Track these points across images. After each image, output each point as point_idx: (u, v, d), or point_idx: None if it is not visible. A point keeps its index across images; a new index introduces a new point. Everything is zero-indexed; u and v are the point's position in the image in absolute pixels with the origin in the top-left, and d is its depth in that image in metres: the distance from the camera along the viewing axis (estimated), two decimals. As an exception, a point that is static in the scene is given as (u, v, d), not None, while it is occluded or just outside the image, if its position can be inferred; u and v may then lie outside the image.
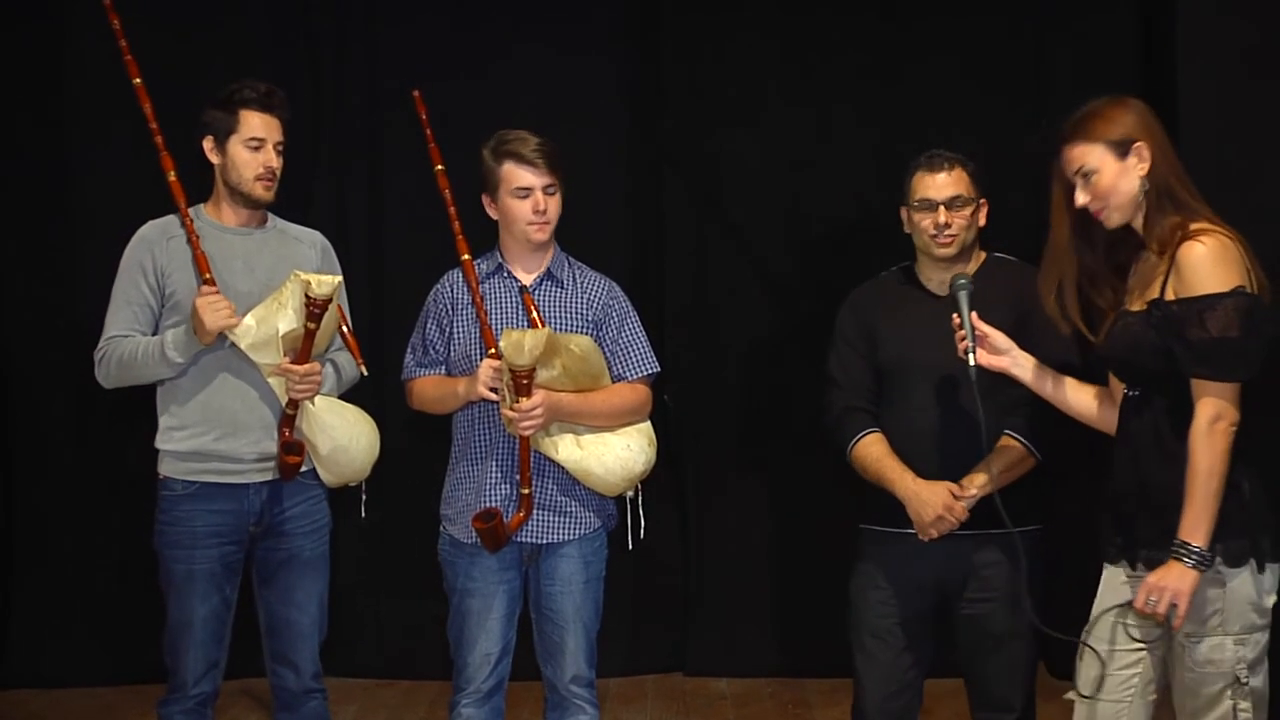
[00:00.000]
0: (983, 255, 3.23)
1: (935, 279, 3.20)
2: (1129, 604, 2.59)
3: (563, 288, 3.21)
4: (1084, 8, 4.37)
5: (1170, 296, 2.53)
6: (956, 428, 3.06)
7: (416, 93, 3.36)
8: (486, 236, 3.27)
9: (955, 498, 3.03)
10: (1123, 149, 2.60)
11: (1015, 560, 2.96)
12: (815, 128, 4.45)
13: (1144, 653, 2.62)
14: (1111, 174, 2.62)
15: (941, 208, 3.11)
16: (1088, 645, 2.65)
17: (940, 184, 3.13)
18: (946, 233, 3.11)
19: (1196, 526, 2.48)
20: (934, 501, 3.03)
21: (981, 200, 3.18)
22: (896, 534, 3.14)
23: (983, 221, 3.20)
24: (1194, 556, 2.48)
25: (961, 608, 3.13)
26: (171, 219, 3.22)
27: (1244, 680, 2.53)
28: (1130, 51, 4.31)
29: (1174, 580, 2.48)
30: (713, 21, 4.49)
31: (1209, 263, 2.49)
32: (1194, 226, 2.54)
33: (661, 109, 4.52)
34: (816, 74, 4.46)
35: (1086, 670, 2.66)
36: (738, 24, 4.49)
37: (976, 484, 3.02)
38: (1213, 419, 2.48)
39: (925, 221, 3.13)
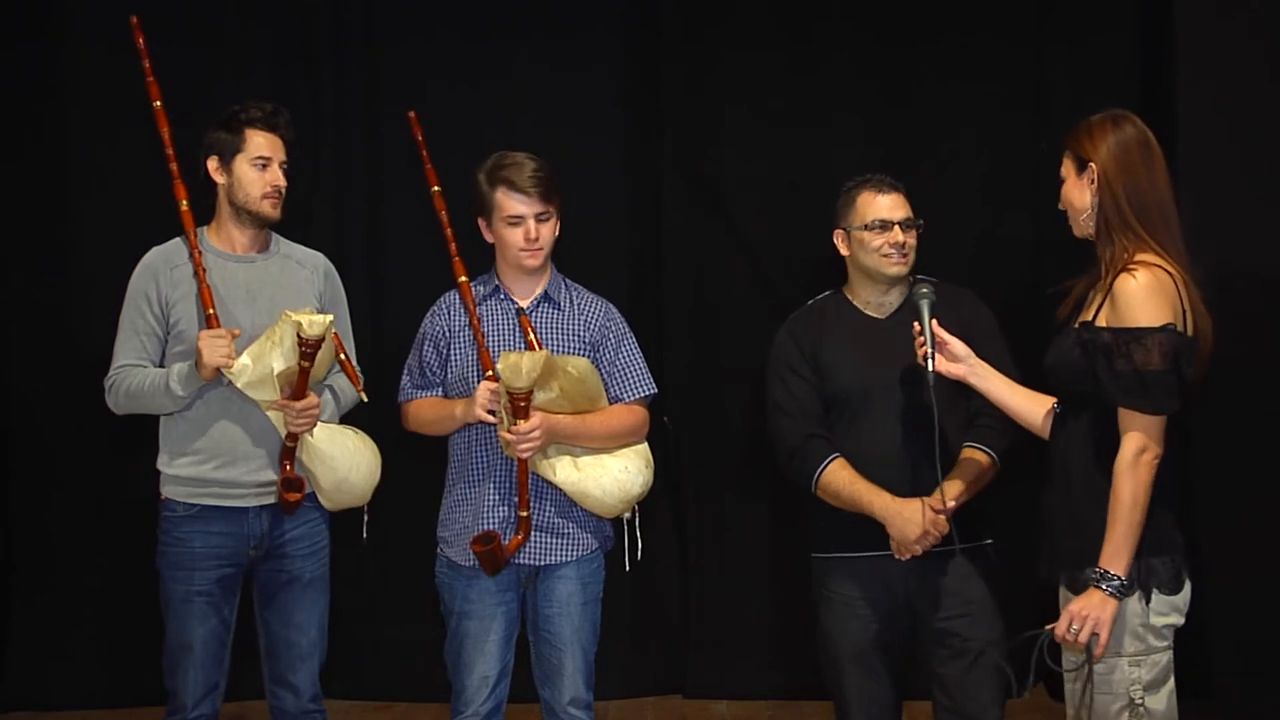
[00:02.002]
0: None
1: (875, 301, 3.24)
2: (1051, 630, 2.58)
3: (560, 310, 3.22)
4: (1084, 24, 4.38)
5: (1102, 323, 2.55)
6: (915, 447, 3.08)
7: (412, 114, 3.37)
8: (486, 257, 3.28)
9: (935, 511, 3.04)
10: (1082, 164, 2.65)
11: (984, 573, 3.00)
12: (816, 145, 4.44)
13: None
14: (1069, 184, 2.68)
15: (897, 227, 3.16)
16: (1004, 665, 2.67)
17: (892, 205, 3.19)
18: (901, 252, 3.16)
19: (1117, 555, 2.50)
20: (916, 518, 3.04)
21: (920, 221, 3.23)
22: (869, 558, 3.15)
23: None
24: (1113, 585, 2.49)
25: (936, 624, 3.14)
26: (175, 244, 3.23)
27: (1139, 701, 2.54)
28: (1130, 67, 4.33)
29: (1095, 608, 2.50)
30: (714, 37, 4.49)
31: (1141, 296, 2.51)
32: (1139, 257, 2.55)
33: (662, 125, 4.53)
34: (817, 90, 4.46)
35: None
36: (739, 40, 4.49)
37: (952, 494, 3.03)
38: (1138, 451, 2.50)
39: (878, 241, 3.16)
